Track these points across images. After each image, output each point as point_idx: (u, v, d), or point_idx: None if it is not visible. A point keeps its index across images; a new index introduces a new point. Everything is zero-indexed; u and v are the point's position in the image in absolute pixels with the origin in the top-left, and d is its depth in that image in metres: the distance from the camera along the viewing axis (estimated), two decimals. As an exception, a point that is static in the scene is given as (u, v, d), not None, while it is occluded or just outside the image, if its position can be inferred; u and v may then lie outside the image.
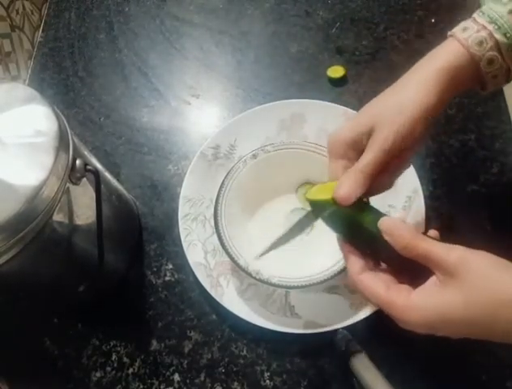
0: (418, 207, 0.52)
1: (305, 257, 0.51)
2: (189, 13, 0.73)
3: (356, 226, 0.37)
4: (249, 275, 0.46)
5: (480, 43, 0.38)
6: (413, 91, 0.38)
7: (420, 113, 0.37)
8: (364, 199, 0.39)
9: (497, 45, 0.38)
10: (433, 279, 0.32)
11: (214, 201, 0.50)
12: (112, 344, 0.53)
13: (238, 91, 0.66)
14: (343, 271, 0.46)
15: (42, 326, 0.55)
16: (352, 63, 0.66)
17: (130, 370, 0.51)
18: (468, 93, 0.60)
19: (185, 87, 0.68)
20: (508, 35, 0.38)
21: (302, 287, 0.46)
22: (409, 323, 0.32)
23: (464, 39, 0.38)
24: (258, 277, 0.46)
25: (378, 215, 0.37)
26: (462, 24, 0.40)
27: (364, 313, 0.48)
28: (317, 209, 0.40)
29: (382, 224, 0.35)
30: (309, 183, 0.54)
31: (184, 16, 0.73)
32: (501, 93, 0.60)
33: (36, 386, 0.53)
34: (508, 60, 0.38)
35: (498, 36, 0.38)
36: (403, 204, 0.53)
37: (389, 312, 0.33)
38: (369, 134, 0.38)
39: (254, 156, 0.51)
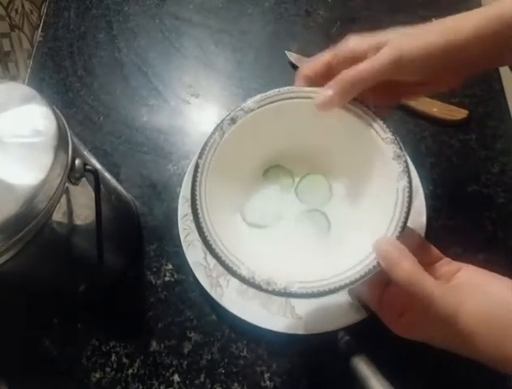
0: (419, 207, 0.52)
1: (318, 258, 0.40)
2: (188, 12, 0.73)
3: None
4: (258, 287, 0.35)
5: None
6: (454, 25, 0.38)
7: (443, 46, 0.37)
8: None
9: None
10: None
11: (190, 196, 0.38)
12: (111, 344, 0.53)
13: (238, 91, 0.66)
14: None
15: (42, 326, 0.55)
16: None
17: (130, 371, 0.51)
18: (469, 93, 0.60)
19: (185, 87, 0.67)
20: None
21: (332, 292, 0.35)
22: None
23: None
24: (270, 289, 0.34)
25: None
26: None
27: (365, 313, 0.48)
28: None
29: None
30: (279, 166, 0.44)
31: (183, 15, 0.73)
32: (502, 93, 0.60)
33: (36, 386, 0.53)
34: None
35: None
36: (403, 204, 0.53)
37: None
38: (377, 48, 0.37)
39: (233, 121, 0.38)
